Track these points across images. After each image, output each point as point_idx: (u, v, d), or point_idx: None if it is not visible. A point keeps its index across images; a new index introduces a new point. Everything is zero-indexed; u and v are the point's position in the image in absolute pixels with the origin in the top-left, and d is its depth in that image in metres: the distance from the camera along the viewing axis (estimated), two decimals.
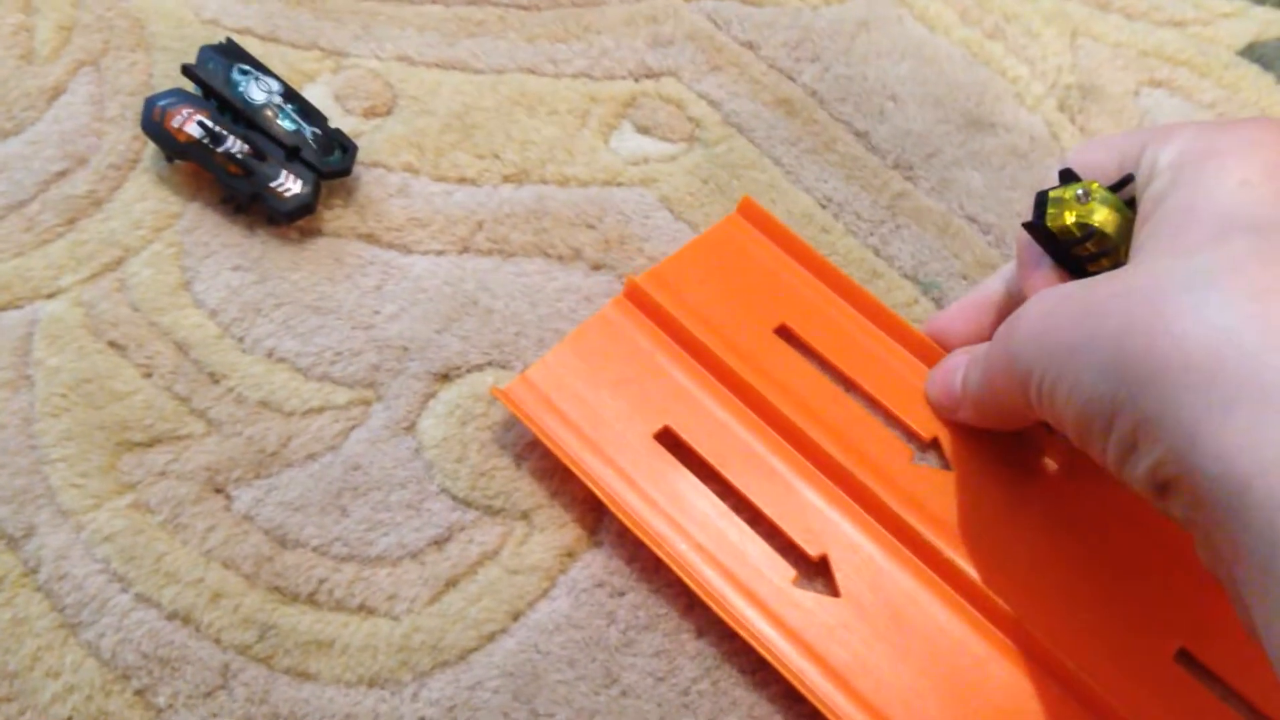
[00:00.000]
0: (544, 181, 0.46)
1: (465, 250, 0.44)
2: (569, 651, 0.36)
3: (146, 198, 0.44)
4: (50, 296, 0.42)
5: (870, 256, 0.45)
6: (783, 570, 0.36)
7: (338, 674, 0.35)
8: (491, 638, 0.36)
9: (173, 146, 0.43)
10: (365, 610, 0.36)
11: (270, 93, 0.44)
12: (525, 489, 0.39)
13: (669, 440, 0.38)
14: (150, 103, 0.43)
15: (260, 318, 0.41)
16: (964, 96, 0.50)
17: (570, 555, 0.38)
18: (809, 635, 0.35)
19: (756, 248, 0.43)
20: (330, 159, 0.44)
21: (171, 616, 0.36)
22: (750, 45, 0.51)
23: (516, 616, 0.36)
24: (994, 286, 0.40)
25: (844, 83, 0.50)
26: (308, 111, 0.45)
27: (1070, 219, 0.34)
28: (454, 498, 0.38)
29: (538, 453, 0.39)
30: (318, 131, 0.44)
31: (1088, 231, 0.33)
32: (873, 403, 0.40)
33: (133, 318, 0.41)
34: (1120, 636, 0.36)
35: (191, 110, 0.43)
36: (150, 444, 0.39)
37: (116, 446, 0.38)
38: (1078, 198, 0.34)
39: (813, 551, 0.36)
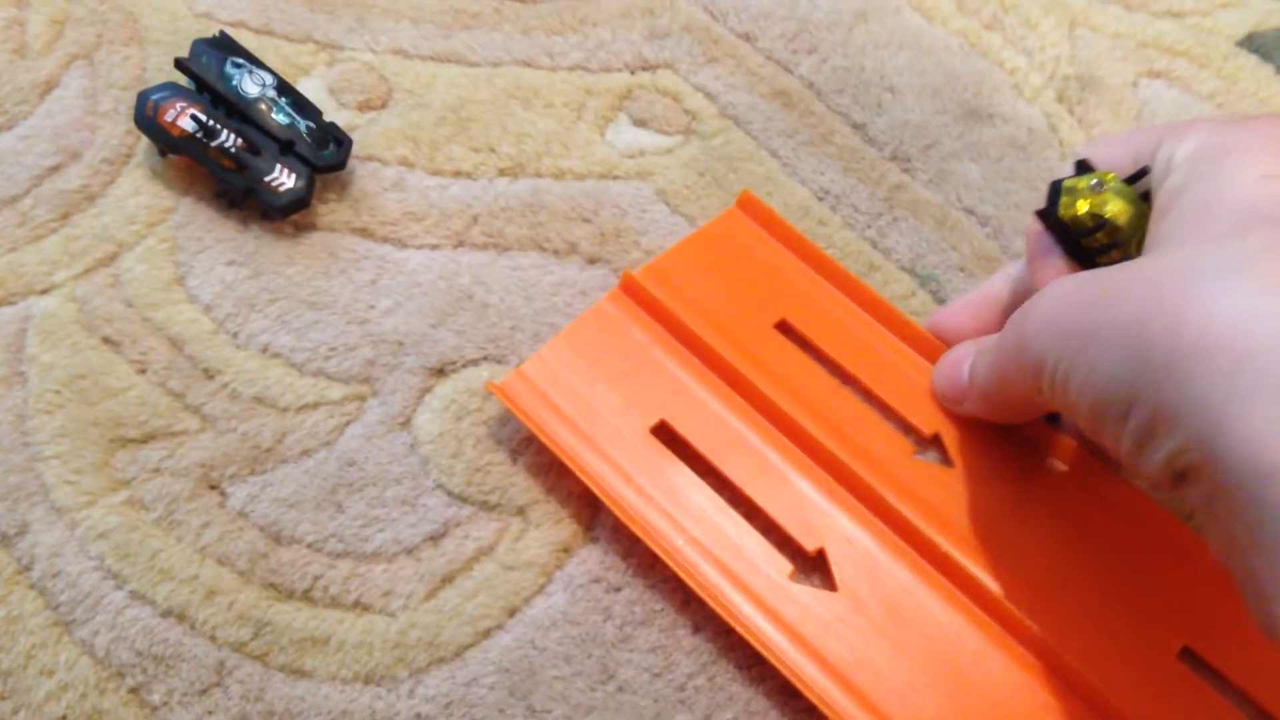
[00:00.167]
0: (539, 175, 0.46)
1: (460, 244, 0.44)
2: (565, 647, 0.36)
3: (140, 193, 0.44)
4: (44, 292, 0.41)
5: (868, 249, 0.45)
6: (779, 565, 0.36)
7: (333, 671, 0.35)
8: (487, 634, 0.36)
9: (166, 141, 0.43)
10: (360, 607, 0.36)
11: (264, 86, 0.44)
12: (521, 484, 0.38)
13: (665, 435, 0.38)
14: (143, 97, 0.43)
15: (254, 313, 0.41)
16: (962, 88, 0.50)
17: (566, 551, 0.37)
18: (806, 630, 0.35)
19: (755, 242, 0.43)
20: (325, 153, 0.43)
21: (166, 614, 0.35)
22: (747, 37, 0.51)
23: (512, 612, 0.36)
24: (998, 284, 0.40)
25: (841, 74, 0.50)
26: (302, 105, 0.44)
27: (1083, 208, 0.34)
28: (449, 493, 0.38)
29: (534, 448, 0.39)
30: (312, 125, 0.44)
31: (1099, 222, 0.33)
32: (873, 398, 0.40)
33: (126, 313, 0.41)
34: (1122, 633, 0.35)
35: (185, 104, 0.43)
36: (144, 440, 0.38)
37: (110, 443, 0.38)
38: (1091, 188, 0.34)
39: (809, 546, 0.36)
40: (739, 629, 0.34)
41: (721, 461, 0.38)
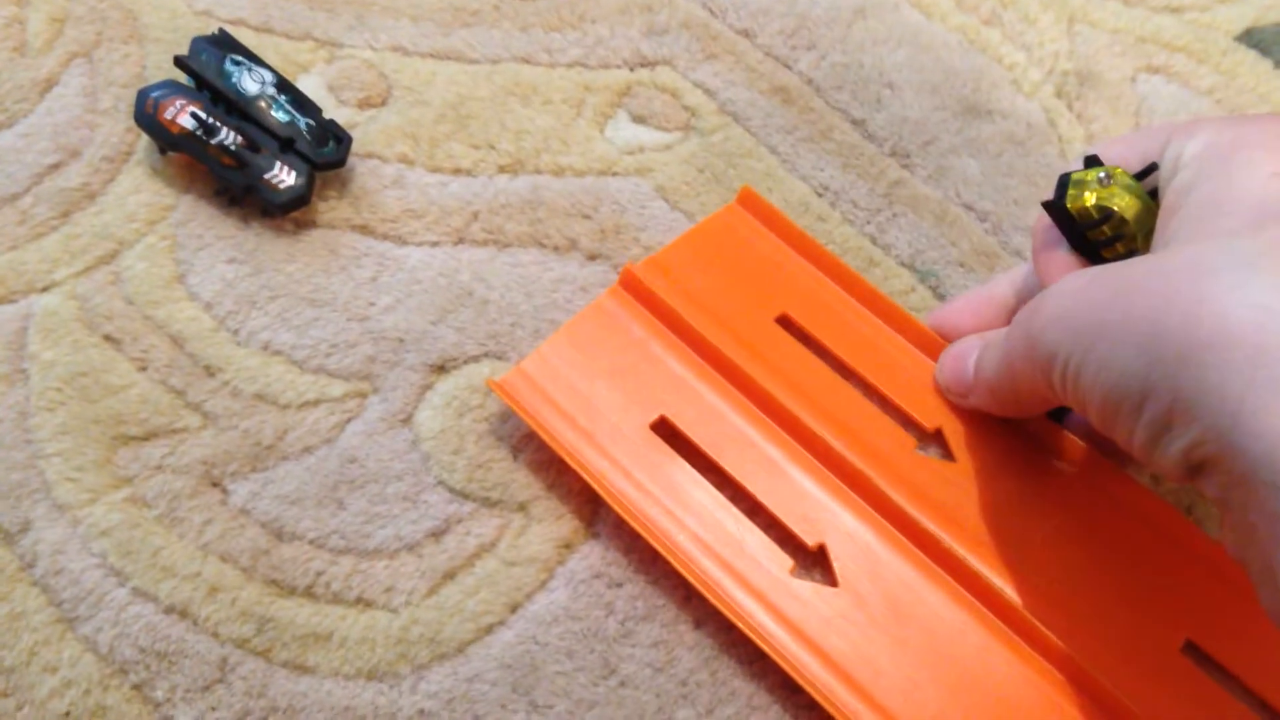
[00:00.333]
0: (539, 172, 0.46)
1: (460, 241, 0.44)
2: (567, 643, 0.36)
3: (140, 190, 0.44)
4: (45, 290, 0.41)
5: (867, 245, 0.45)
6: (780, 560, 0.36)
7: (336, 667, 0.35)
8: (490, 630, 0.36)
9: (166, 138, 0.43)
10: (363, 603, 0.36)
11: (263, 84, 0.44)
12: (522, 480, 0.39)
13: (665, 430, 0.38)
14: (143, 94, 0.43)
15: (255, 310, 0.41)
16: (961, 83, 0.50)
17: (568, 547, 0.37)
18: (807, 626, 0.35)
19: (755, 237, 0.43)
20: (324, 150, 0.43)
21: (169, 610, 0.36)
22: (746, 33, 0.51)
23: (514, 608, 0.36)
24: (999, 284, 0.40)
25: (840, 70, 0.50)
26: (301, 102, 0.44)
27: (1090, 200, 0.34)
28: (451, 490, 0.38)
29: (535, 444, 0.39)
30: (312, 123, 0.44)
31: (1106, 214, 0.33)
32: (874, 393, 0.40)
33: (127, 311, 0.41)
34: (1126, 628, 0.36)
35: (184, 102, 0.43)
36: (146, 438, 0.38)
37: (112, 440, 0.38)
38: (1100, 180, 0.34)
39: (810, 541, 0.36)
40: (740, 625, 0.34)
41: (722, 457, 0.38)
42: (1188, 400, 0.27)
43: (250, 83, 0.44)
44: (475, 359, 0.41)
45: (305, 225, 0.44)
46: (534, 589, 0.37)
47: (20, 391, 0.39)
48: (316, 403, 0.40)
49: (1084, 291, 0.31)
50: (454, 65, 0.49)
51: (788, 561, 0.36)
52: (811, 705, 0.34)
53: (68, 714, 0.34)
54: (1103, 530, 0.37)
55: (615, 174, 0.46)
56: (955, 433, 0.39)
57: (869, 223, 0.46)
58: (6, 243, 0.42)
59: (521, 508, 0.38)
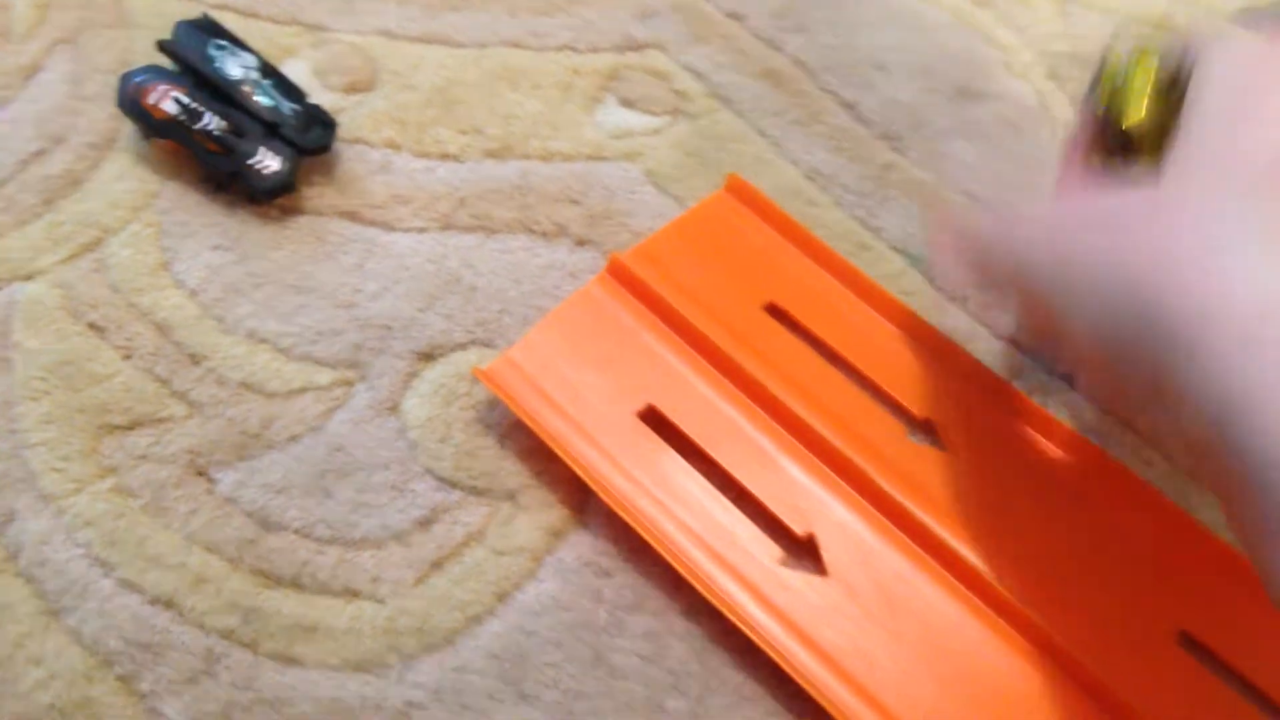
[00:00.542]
0: (527, 157, 0.45)
1: (448, 227, 0.43)
2: (556, 633, 0.36)
3: (125, 177, 0.43)
4: (29, 278, 0.41)
5: (858, 228, 0.45)
6: (769, 550, 0.36)
7: (323, 658, 0.35)
8: (478, 620, 0.36)
9: (150, 124, 0.42)
10: (350, 593, 0.36)
11: (248, 68, 0.43)
12: (510, 468, 0.38)
13: (653, 419, 0.38)
14: (126, 79, 0.42)
15: (241, 298, 0.41)
16: (952, 65, 0.50)
17: (557, 535, 0.37)
18: (796, 615, 0.35)
19: (744, 225, 0.43)
20: (310, 135, 0.43)
21: (154, 601, 0.35)
22: (736, 16, 0.51)
23: (503, 598, 0.36)
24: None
25: (831, 53, 0.50)
26: (286, 87, 0.44)
27: (1104, 101, 0.32)
28: (438, 478, 0.38)
29: (523, 431, 0.39)
30: (297, 108, 0.43)
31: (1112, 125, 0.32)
32: (864, 380, 0.40)
33: (112, 299, 0.41)
34: (1120, 618, 0.35)
35: (168, 87, 0.42)
36: (131, 427, 0.38)
37: (97, 429, 0.38)
38: (1122, 72, 0.32)
39: (800, 530, 0.36)
40: (728, 614, 0.34)
41: (710, 445, 0.38)
42: (1186, 382, 0.26)
43: (234, 67, 0.43)
44: (463, 346, 0.41)
45: (291, 211, 0.43)
46: (523, 578, 0.36)
47: (4, 380, 0.39)
48: (303, 391, 0.39)
49: (1072, 218, 0.30)
50: (441, 49, 0.48)
51: (777, 551, 0.36)
52: (802, 695, 0.34)
53: (52, 705, 0.33)
54: (1096, 519, 0.37)
55: (604, 159, 0.46)
56: (946, 421, 0.39)
57: (860, 206, 0.45)
58: None
59: (510, 496, 0.38)
